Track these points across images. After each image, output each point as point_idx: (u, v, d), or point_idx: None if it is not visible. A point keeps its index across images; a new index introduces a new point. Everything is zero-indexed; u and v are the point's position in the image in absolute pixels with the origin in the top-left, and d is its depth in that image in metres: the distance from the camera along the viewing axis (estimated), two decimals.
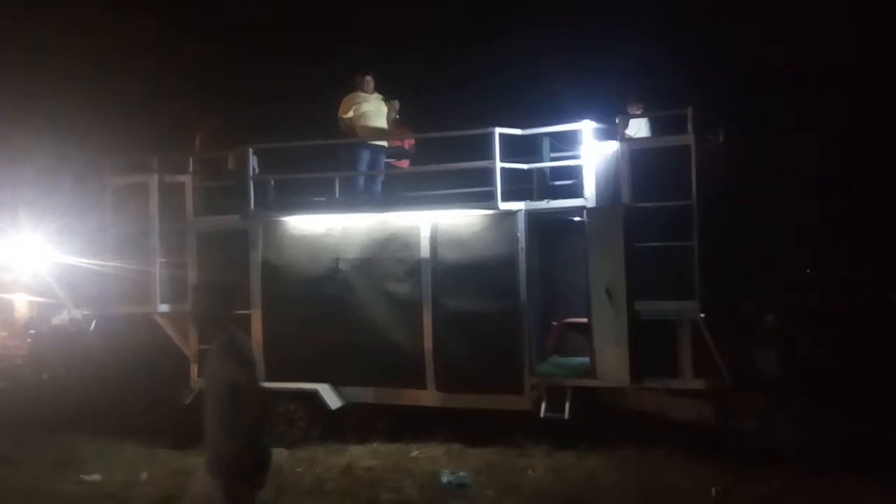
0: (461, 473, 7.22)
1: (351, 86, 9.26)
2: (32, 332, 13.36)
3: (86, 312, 10.09)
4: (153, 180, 9.32)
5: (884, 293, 9.60)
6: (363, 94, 9.18)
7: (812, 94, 13.02)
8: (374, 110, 9.15)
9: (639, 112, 8.45)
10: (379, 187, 9.18)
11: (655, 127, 8.54)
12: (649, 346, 7.66)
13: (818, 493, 6.49)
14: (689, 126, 7.61)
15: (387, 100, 9.27)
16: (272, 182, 9.55)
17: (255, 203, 9.12)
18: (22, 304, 15.08)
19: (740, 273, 7.79)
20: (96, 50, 15.57)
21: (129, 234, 9.33)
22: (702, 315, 7.43)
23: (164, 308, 9.25)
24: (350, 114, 9.15)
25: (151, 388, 10.08)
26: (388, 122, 9.25)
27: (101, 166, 9.73)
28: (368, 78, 9.24)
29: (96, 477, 7.63)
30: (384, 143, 9.22)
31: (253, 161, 9.23)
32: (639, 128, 8.40)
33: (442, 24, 14.99)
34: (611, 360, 7.75)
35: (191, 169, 9.40)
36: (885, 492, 6.38)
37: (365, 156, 9.05)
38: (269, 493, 6.88)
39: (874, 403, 7.48)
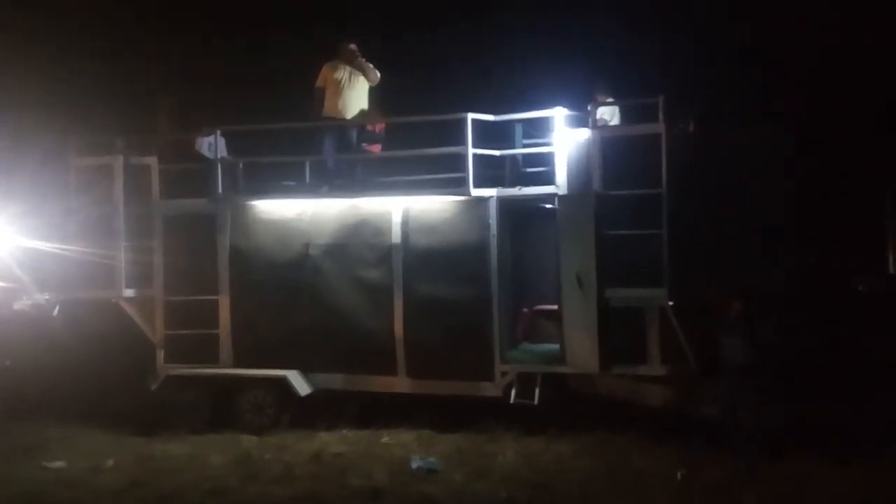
0: (431, 459, 7.24)
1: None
2: None
3: (49, 297, 9.89)
4: (118, 162, 9.12)
5: (851, 281, 9.83)
6: (340, 63, 8.99)
7: (783, 84, 13.20)
8: (344, 82, 8.89)
9: (608, 100, 8.47)
10: (358, 169, 8.97)
11: (627, 115, 8.57)
12: (618, 333, 7.74)
13: (780, 476, 6.64)
14: (661, 115, 7.65)
15: (363, 72, 8.93)
16: (241, 165, 9.41)
17: (224, 186, 8.99)
18: None
19: (709, 261, 7.88)
20: (59, 29, 15.17)
21: (93, 217, 9.13)
22: (670, 303, 7.51)
23: (129, 293, 9.10)
24: (319, 83, 8.97)
25: (117, 375, 9.96)
26: (364, 90, 8.95)
27: (64, 147, 9.50)
28: (350, 46, 8.96)
29: (60, 463, 7.52)
30: (362, 120, 8.96)
31: (221, 143, 9.08)
32: (612, 115, 8.43)
33: (414, 7, 14.87)
34: (580, 347, 7.82)
35: (156, 151, 9.21)
36: (845, 475, 6.53)
37: (330, 137, 8.89)
38: (237, 480, 6.88)
39: (837, 389, 7.67)
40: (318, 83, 9.01)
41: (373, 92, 9.15)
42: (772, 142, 8.72)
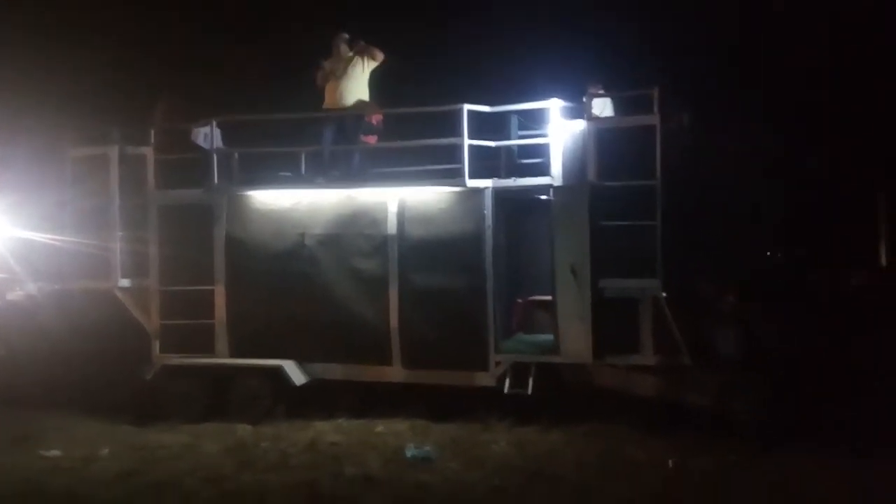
0: (425, 448, 7.29)
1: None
2: None
3: (42, 287, 9.89)
4: (114, 152, 9.11)
5: (842, 276, 9.88)
6: (332, 58, 8.95)
7: (777, 79, 13.24)
8: (340, 73, 8.83)
9: (600, 92, 8.50)
10: (356, 158, 8.90)
11: (621, 107, 8.60)
12: (612, 323, 7.79)
13: (769, 467, 6.71)
14: (655, 107, 7.68)
15: (364, 54, 8.84)
16: (236, 156, 9.41)
17: (219, 176, 8.99)
18: None
19: (702, 253, 7.94)
20: (54, 18, 15.11)
21: (88, 207, 9.13)
22: (663, 294, 7.56)
23: (124, 283, 9.11)
24: (319, 81, 8.96)
25: (112, 364, 9.97)
26: (363, 80, 8.87)
27: (60, 137, 9.48)
28: (338, 38, 8.91)
29: (55, 452, 7.55)
30: (358, 111, 8.87)
31: (216, 134, 9.08)
32: (603, 107, 8.45)
33: None
34: (574, 338, 7.87)
35: (152, 141, 9.21)
36: (833, 467, 6.60)
37: (326, 129, 8.87)
38: (232, 469, 6.91)
39: (829, 381, 7.73)
40: (318, 82, 9.00)
41: (373, 83, 9.11)
42: (765, 136, 8.78)
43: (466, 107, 8.11)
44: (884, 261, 12.28)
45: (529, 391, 7.99)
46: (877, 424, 7.33)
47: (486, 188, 8.29)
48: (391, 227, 8.52)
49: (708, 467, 6.69)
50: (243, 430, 8.19)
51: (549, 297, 8.26)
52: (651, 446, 7.19)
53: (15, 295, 12.63)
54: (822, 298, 8.79)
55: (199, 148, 9.28)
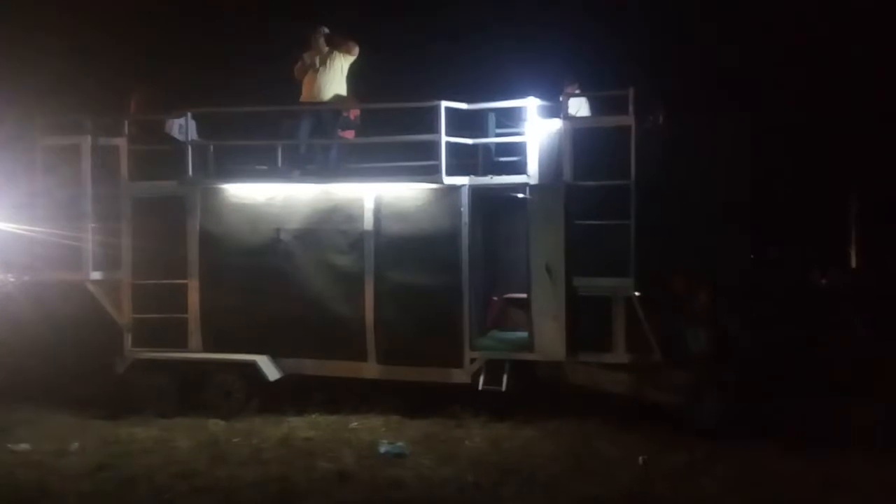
0: (399, 444, 7.32)
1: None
2: None
3: (13, 279, 9.74)
4: (86, 142, 8.98)
5: (813, 274, 10.05)
6: (310, 52, 8.92)
7: (750, 77, 13.39)
8: (318, 67, 8.82)
9: (576, 92, 8.56)
10: (333, 153, 8.88)
11: (597, 107, 8.67)
12: (585, 321, 7.87)
13: (739, 462, 6.83)
14: (630, 107, 7.76)
15: (338, 49, 8.87)
16: (211, 148, 9.34)
17: (194, 169, 8.92)
18: None
19: (675, 252, 8.04)
20: (26, 6, 14.81)
21: (60, 198, 8.99)
22: (636, 292, 7.65)
23: (96, 275, 9.00)
24: (297, 75, 8.93)
25: (83, 358, 9.86)
26: (340, 74, 8.88)
27: (31, 126, 9.33)
28: (316, 32, 8.90)
29: (25, 446, 7.47)
30: (337, 105, 8.89)
31: (191, 126, 9.00)
32: (579, 106, 8.52)
33: None
34: (548, 335, 7.94)
35: (126, 131, 9.10)
36: (804, 463, 6.74)
37: (303, 123, 8.85)
38: (205, 464, 6.88)
39: (795, 379, 7.88)
40: (297, 74, 8.96)
41: (351, 78, 9.10)
42: (738, 136, 8.89)
43: (444, 103, 8.13)
44: (854, 262, 12.50)
45: (504, 388, 8.06)
46: (847, 421, 7.50)
47: (463, 185, 8.32)
48: (367, 222, 8.51)
49: (678, 464, 6.80)
50: (216, 424, 8.16)
51: (524, 295, 8.32)
52: (623, 443, 7.29)
53: None
54: (792, 298, 8.94)
55: (173, 139, 9.19)
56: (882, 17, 12.68)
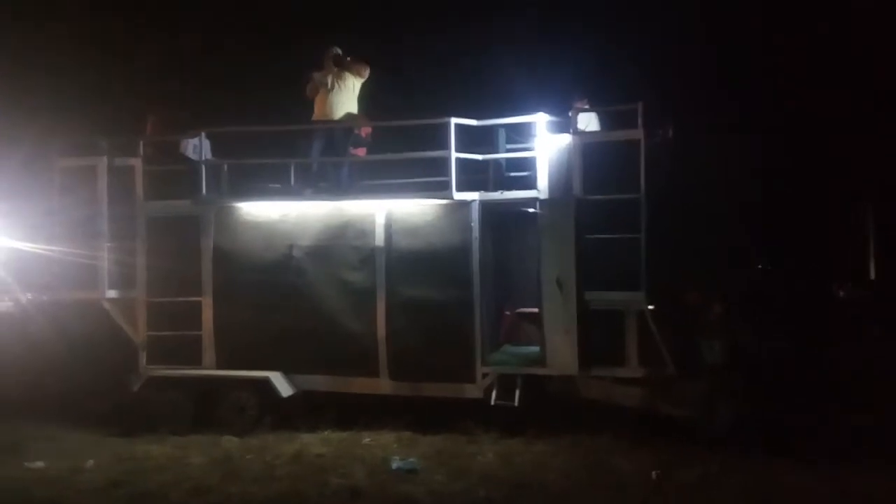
0: (411, 459, 7.30)
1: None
2: None
3: (31, 298, 9.87)
4: (102, 163, 9.13)
5: (831, 286, 9.97)
6: (322, 72, 9.03)
7: (761, 93, 13.37)
8: (331, 86, 8.93)
9: (585, 107, 8.60)
10: (345, 170, 8.96)
11: (606, 121, 8.70)
12: (597, 335, 7.85)
13: (752, 476, 6.76)
14: (640, 121, 7.78)
15: (349, 70, 8.97)
16: (225, 167, 9.45)
17: (208, 188, 9.03)
18: None
19: (687, 265, 8.02)
20: (44, 28, 15.12)
21: (77, 218, 9.12)
22: (648, 306, 7.62)
23: (112, 294, 9.11)
24: (309, 93, 9.03)
25: (99, 375, 9.94)
26: (352, 94, 8.98)
27: (48, 148, 9.50)
28: (329, 52, 9.01)
29: (40, 464, 7.53)
30: (348, 123, 8.97)
31: (205, 146, 9.12)
32: (588, 121, 8.55)
33: (399, 13, 14.95)
34: (560, 349, 7.93)
35: (141, 152, 9.25)
36: (817, 476, 6.67)
37: (315, 141, 8.94)
38: (218, 481, 6.91)
39: (812, 392, 7.81)
40: (308, 93, 9.08)
41: (363, 97, 9.20)
42: (751, 149, 8.88)
43: (454, 120, 8.19)
44: (872, 274, 12.38)
45: (516, 403, 8.03)
46: (859, 433, 7.41)
47: (474, 201, 8.35)
48: (379, 239, 8.56)
49: (692, 478, 6.73)
50: (229, 441, 8.19)
51: (535, 310, 8.31)
52: (636, 457, 7.24)
53: (3, 304, 12.60)
54: (809, 310, 8.88)
55: (187, 159, 9.32)
56: None
